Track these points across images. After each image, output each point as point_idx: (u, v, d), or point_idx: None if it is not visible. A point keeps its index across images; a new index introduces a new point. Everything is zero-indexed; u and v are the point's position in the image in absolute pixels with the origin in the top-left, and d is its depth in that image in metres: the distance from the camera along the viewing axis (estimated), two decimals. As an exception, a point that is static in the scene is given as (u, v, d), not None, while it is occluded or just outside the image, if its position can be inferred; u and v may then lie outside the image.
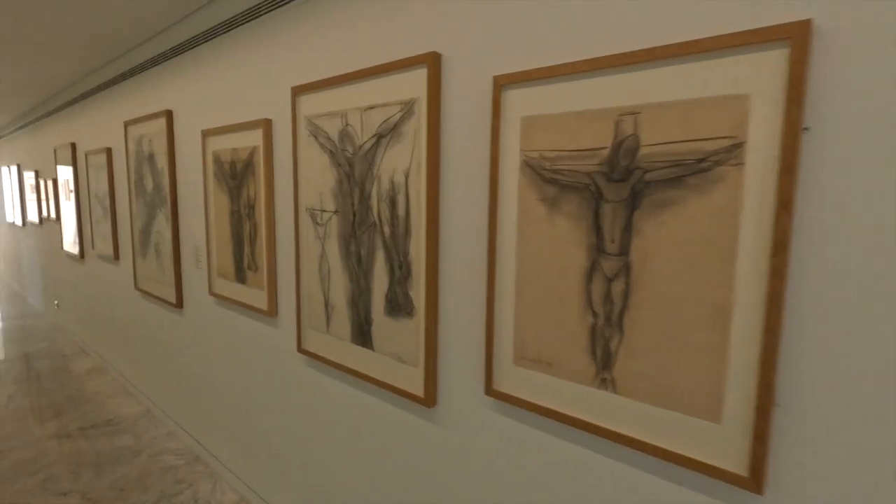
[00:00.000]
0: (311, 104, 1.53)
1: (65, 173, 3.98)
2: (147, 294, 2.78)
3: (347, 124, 1.41)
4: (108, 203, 3.19)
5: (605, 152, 0.91)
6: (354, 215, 1.43)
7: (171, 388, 2.70)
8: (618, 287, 0.92)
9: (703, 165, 0.81)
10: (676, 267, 0.84)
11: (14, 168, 5.75)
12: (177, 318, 2.55)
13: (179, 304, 2.47)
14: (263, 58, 1.76)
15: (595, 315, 0.95)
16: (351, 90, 1.40)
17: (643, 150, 0.87)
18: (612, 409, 0.94)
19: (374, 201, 1.36)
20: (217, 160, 2.02)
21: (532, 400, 1.06)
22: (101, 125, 3.24)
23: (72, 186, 3.83)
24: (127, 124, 2.78)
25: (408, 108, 1.24)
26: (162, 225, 2.53)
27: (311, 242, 1.59)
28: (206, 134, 2.07)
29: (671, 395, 0.87)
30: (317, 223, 1.56)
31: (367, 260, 1.40)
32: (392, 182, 1.30)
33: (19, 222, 5.77)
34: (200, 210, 2.22)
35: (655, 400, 0.89)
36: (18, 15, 2.18)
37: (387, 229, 1.33)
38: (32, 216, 5.17)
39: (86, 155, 3.46)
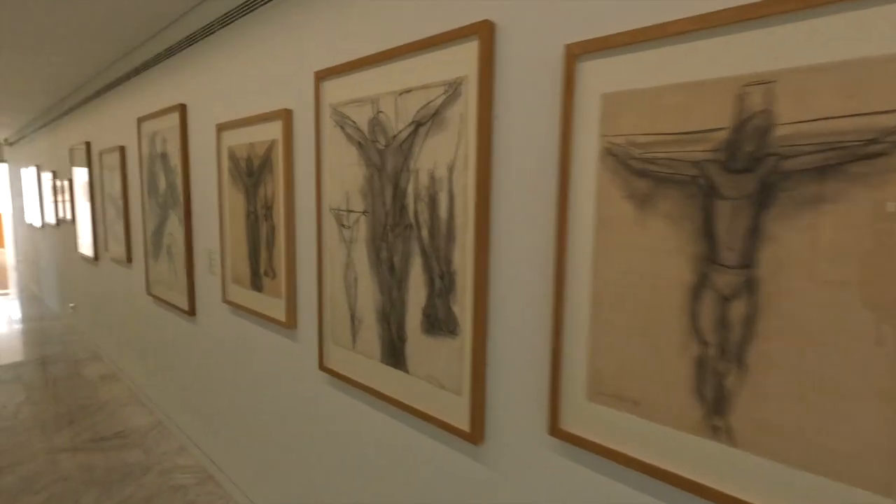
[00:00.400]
0: (337, 90, 1.35)
1: (81, 174, 3.89)
2: (159, 300, 2.63)
3: (379, 112, 1.23)
4: (121, 204, 3.06)
5: (722, 135, 0.71)
6: (387, 216, 1.24)
7: (184, 400, 2.54)
8: (738, 309, 0.71)
9: (875, 149, 0.60)
10: (829, 285, 0.63)
11: (33, 169, 5.72)
12: (189, 327, 2.39)
13: (192, 311, 2.31)
14: (283, 41, 1.58)
15: (704, 344, 0.74)
16: (383, 72, 1.21)
17: (779, 131, 0.66)
18: (727, 466, 0.73)
19: (409, 200, 1.17)
20: (232, 156, 1.86)
21: (611, 446, 0.86)
22: (114, 123, 3.12)
23: (86, 187, 3.73)
24: (140, 121, 2.64)
25: (453, 89, 1.05)
26: (175, 227, 2.38)
27: (335, 247, 1.41)
28: (220, 128, 1.91)
29: (819, 455, 0.65)
30: (342, 225, 1.38)
31: (402, 268, 1.21)
32: (432, 177, 1.11)
33: (38, 223, 5.74)
34: (214, 211, 2.06)
35: (795, 460, 0.67)
36: (30, 11, 2.05)
37: (425, 233, 1.14)
38: (50, 217, 5.12)
39: (100, 154, 3.35)
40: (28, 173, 6.05)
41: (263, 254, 1.74)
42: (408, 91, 1.15)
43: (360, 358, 1.36)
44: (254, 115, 1.71)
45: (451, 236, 1.08)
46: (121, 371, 3.48)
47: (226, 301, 1.98)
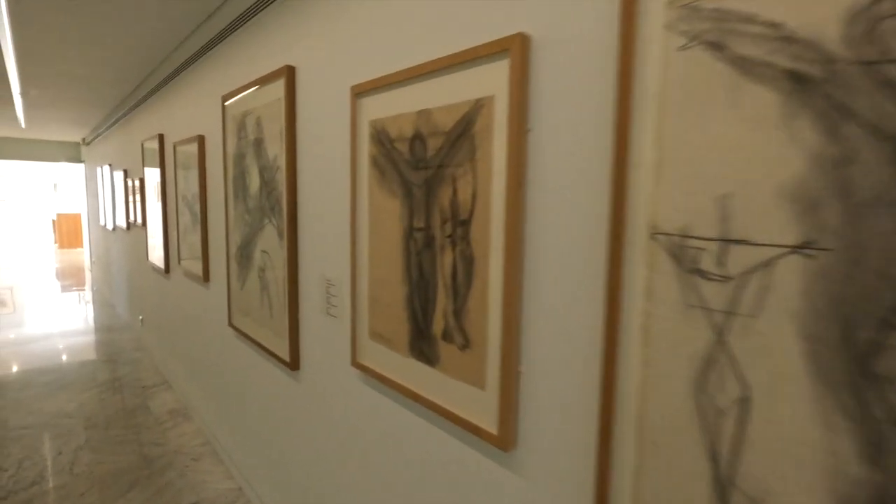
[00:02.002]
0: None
1: (153, 172, 3.38)
2: (244, 336, 1.98)
3: None
4: (198, 208, 2.46)
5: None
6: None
7: (277, 474, 1.87)
8: None
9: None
10: None
11: (107, 168, 5.42)
12: (289, 383, 1.71)
13: (294, 364, 1.62)
14: None
15: None
16: None
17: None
18: None
19: None
20: (380, 137, 1.13)
21: None
22: (192, 107, 2.53)
23: (158, 187, 3.21)
24: (225, 99, 2.00)
25: None
26: (271, 241, 1.71)
27: (667, 316, 0.63)
28: (358, 93, 1.19)
29: None
30: (699, 273, 0.59)
31: None
32: None
33: (110, 226, 5.43)
34: (341, 222, 1.35)
35: None
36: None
37: None
38: (120, 220, 4.73)
39: (174, 147, 2.78)
40: (101, 173, 5.78)
41: (443, 301, 1.00)
42: None
43: (750, 589, 0.57)
44: (435, 61, 0.97)
45: None
46: (192, 408, 2.90)
47: (357, 364, 1.26)
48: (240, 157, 1.91)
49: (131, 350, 4.12)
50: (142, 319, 4.24)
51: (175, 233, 2.94)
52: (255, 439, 2.04)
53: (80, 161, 8.10)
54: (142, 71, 3.22)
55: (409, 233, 1.07)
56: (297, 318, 1.61)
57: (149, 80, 3.35)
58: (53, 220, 11.20)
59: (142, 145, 3.58)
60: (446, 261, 0.98)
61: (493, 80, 0.86)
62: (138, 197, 3.88)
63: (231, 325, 2.12)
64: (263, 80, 1.68)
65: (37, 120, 5.49)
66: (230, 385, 2.28)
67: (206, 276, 2.44)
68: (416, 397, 1.08)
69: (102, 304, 5.81)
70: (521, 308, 0.86)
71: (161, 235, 3.19)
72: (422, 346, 1.06)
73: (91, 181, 7.02)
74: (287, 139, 1.54)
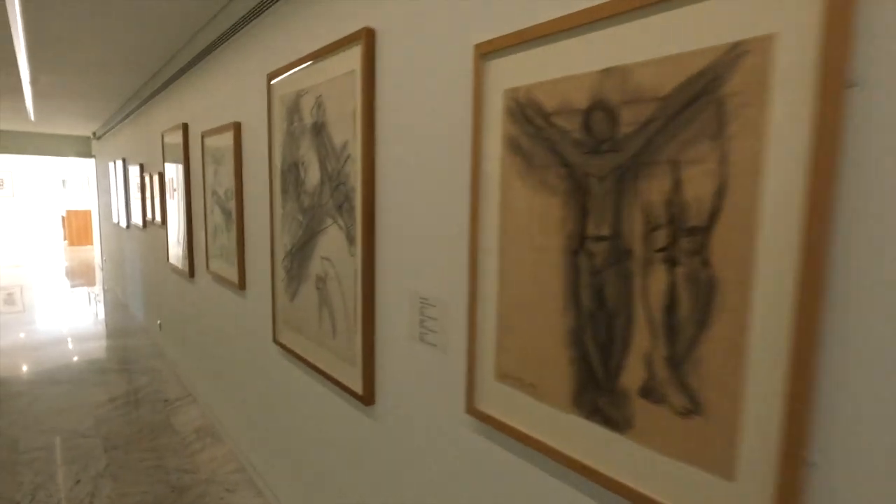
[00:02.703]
0: None
1: (173, 166, 3.09)
2: (294, 355, 1.69)
3: None
4: (232, 205, 2.16)
5: None
6: None
7: (335, 524, 1.58)
8: None
9: None
10: None
11: (119, 163, 5.14)
12: (359, 419, 1.41)
13: (368, 397, 1.33)
14: None
15: None
16: None
17: None
18: None
19: None
20: (524, 111, 0.83)
21: None
22: (225, 91, 2.23)
23: (180, 182, 2.92)
24: (272, 77, 1.70)
25: None
26: (336, 247, 1.41)
27: None
28: (486, 53, 0.88)
29: None
30: None
31: None
32: None
33: (123, 223, 5.15)
34: (448, 225, 1.04)
35: None
36: None
37: None
38: (136, 218, 4.46)
39: (202, 137, 2.49)
40: (114, 168, 5.51)
41: (645, 341, 0.69)
42: None
43: None
44: (645, -9, 0.66)
45: None
46: (221, 428, 2.61)
47: (475, 412, 0.96)
48: (291, 146, 1.61)
49: (148, 357, 3.85)
50: (160, 324, 3.97)
51: (202, 233, 2.65)
52: (305, 473, 1.75)
53: (91, 156, 7.85)
54: (162, 55, 2.92)
55: (579, 242, 0.77)
56: (372, 342, 1.31)
57: (169, 66, 3.06)
58: (63, 217, 10.97)
59: (161, 137, 3.29)
60: (655, 285, 0.68)
61: (773, 10, 0.55)
62: (156, 193, 3.60)
63: (276, 341, 1.82)
64: (326, 51, 1.38)
65: (46, 111, 5.22)
66: (271, 407, 1.99)
67: (241, 284, 2.14)
68: (583, 470, 0.78)
69: (115, 305, 5.55)
70: (817, 361, 0.55)
71: (184, 235, 2.91)
72: (598, 400, 0.76)
73: (103, 177, 6.76)
74: (364, 121, 1.23)
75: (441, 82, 1.02)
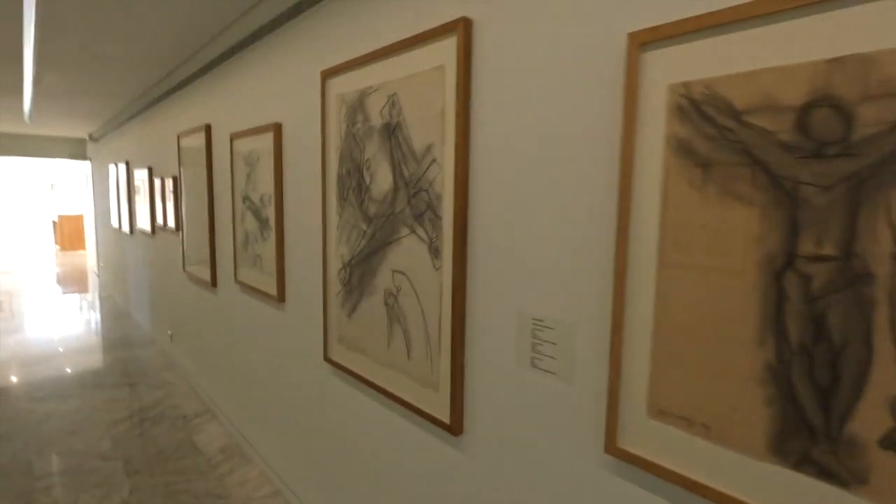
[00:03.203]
0: None
1: (193, 169, 2.93)
2: (354, 377, 1.55)
3: None
4: (269, 211, 2.02)
5: None
6: None
7: (404, 561, 1.45)
8: None
9: None
10: None
11: (122, 166, 4.95)
12: (444, 450, 1.28)
13: (456, 427, 1.20)
14: None
15: None
16: None
17: None
18: None
19: None
20: (700, 109, 0.71)
21: None
22: (262, 91, 2.09)
23: (200, 187, 2.76)
24: (327, 77, 1.57)
25: None
26: (414, 259, 1.28)
27: None
28: (646, 43, 0.77)
29: None
30: None
31: None
32: None
33: (126, 229, 4.96)
34: (572, 238, 0.92)
35: None
36: None
37: None
38: (143, 223, 4.28)
39: (230, 140, 2.34)
40: (115, 171, 5.31)
41: (888, 382, 0.58)
42: None
43: None
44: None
45: None
46: (248, 444, 2.47)
47: (619, 452, 0.85)
48: (352, 149, 1.49)
49: (160, 370, 3.67)
50: (171, 335, 3.80)
51: (230, 241, 2.51)
52: (360, 497, 1.62)
53: (86, 158, 7.61)
54: (186, 52, 2.77)
55: (785, 263, 0.65)
56: (462, 365, 1.18)
57: (189, 64, 2.90)
58: (54, 222, 10.66)
59: (178, 139, 3.13)
60: (911, 317, 0.56)
61: None
62: (169, 198, 3.44)
63: (328, 359, 1.69)
64: (404, 45, 1.25)
65: (45, 113, 5.01)
66: (317, 427, 1.85)
67: (280, 296, 2.00)
68: (788, 530, 0.66)
69: (116, 314, 5.34)
70: None
71: (206, 243, 2.75)
72: (811, 449, 0.65)
73: (100, 180, 6.54)
74: (459, 123, 1.11)
75: (572, 78, 0.90)
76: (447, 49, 1.14)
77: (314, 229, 1.76)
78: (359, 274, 1.51)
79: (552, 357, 0.98)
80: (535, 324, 1.01)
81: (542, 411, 1.01)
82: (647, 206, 0.79)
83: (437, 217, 1.20)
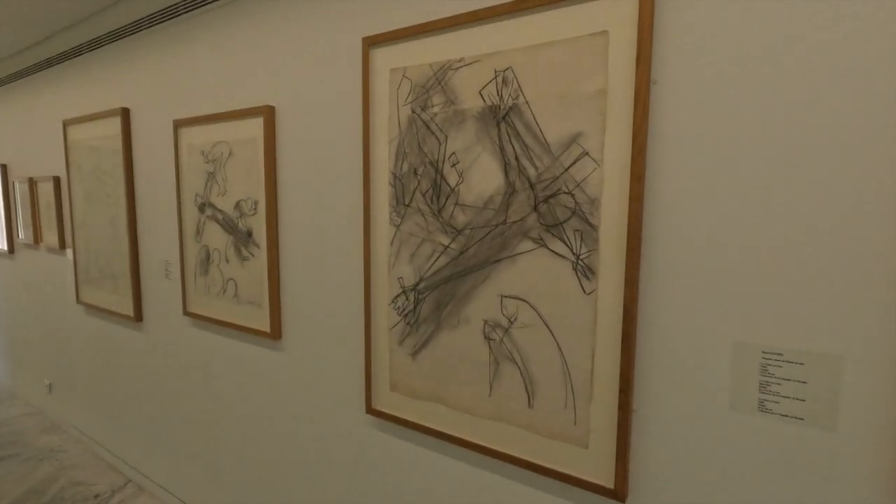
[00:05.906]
0: None
1: (89, 168, 2.22)
2: (430, 433, 1.21)
3: None
4: (256, 223, 1.54)
5: None
6: None
7: None
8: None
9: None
10: None
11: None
12: (588, 518, 1.02)
13: (621, 490, 0.95)
14: None
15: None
16: None
17: None
18: None
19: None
20: None
21: None
22: (236, 64, 1.59)
23: (111, 190, 2.09)
24: (373, 42, 1.19)
25: None
26: (544, 281, 1.00)
27: None
28: None
29: None
30: None
31: None
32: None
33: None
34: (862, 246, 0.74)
35: None
36: None
37: None
38: (-8, 240, 3.22)
39: (174, 128, 1.77)
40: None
41: None
42: None
43: None
44: None
45: None
46: (213, 524, 1.91)
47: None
48: (421, 140, 1.14)
49: (38, 433, 2.77)
50: (49, 385, 2.89)
51: (176, 262, 1.91)
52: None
53: None
54: (79, 11, 2.06)
55: None
56: (628, 413, 0.93)
57: (91, 23, 2.19)
58: None
59: (63, 128, 2.35)
60: None
61: None
62: (47, 206, 2.60)
63: (374, 410, 1.31)
64: (531, 4, 0.96)
65: None
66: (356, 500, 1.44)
67: (275, 332, 1.54)
68: None
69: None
70: None
71: (124, 265, 2.09)
72: None
73: None
74: (638, 105, 0.86)
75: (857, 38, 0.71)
76: (617, 10, 0.88)
77: (341, 244, 1.36)
78: (433, 301, 1.17)
79: (797, 399, 0.79)
80: (765, 358, 0.81)
81: (788, 466, 0.81)
82: None
83: (591, 227, 0.93)
